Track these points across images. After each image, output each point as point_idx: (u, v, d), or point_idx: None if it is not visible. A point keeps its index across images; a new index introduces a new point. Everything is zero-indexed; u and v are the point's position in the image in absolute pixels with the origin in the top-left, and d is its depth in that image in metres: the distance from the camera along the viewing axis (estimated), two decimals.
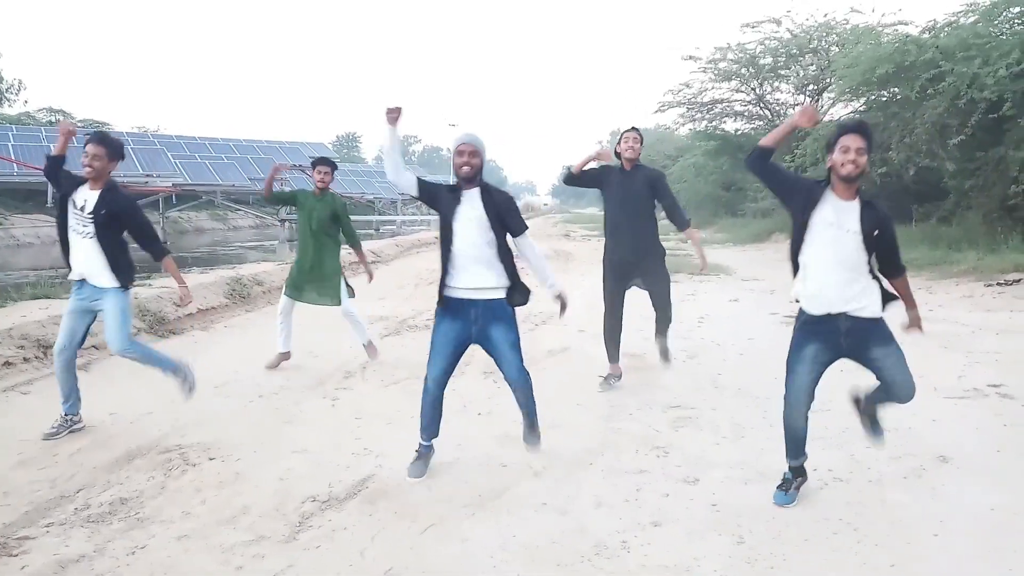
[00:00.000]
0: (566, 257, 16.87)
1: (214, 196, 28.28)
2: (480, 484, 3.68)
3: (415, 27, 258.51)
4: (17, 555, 2.95)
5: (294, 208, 6.16)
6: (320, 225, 5.95)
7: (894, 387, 3.32)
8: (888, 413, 4.69)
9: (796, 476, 3.50)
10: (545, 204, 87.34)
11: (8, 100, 38.25)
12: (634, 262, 5.32)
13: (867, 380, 3.47)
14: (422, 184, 3.78)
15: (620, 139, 5.36)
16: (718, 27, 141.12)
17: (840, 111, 20.13)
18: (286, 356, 6.11)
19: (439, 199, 3.77)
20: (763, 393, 5.01)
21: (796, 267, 3.37)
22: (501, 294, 3.74)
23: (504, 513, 3.36)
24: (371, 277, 6.59)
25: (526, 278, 3.86)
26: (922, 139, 13.71)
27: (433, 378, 3.81)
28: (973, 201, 13.99)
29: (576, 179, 5.39)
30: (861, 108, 17.70)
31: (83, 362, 6.20)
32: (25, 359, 5.92)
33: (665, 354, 5.90)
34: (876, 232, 3.18)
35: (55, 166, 4.42)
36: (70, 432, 4.39)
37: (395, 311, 9.08)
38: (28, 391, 5.32)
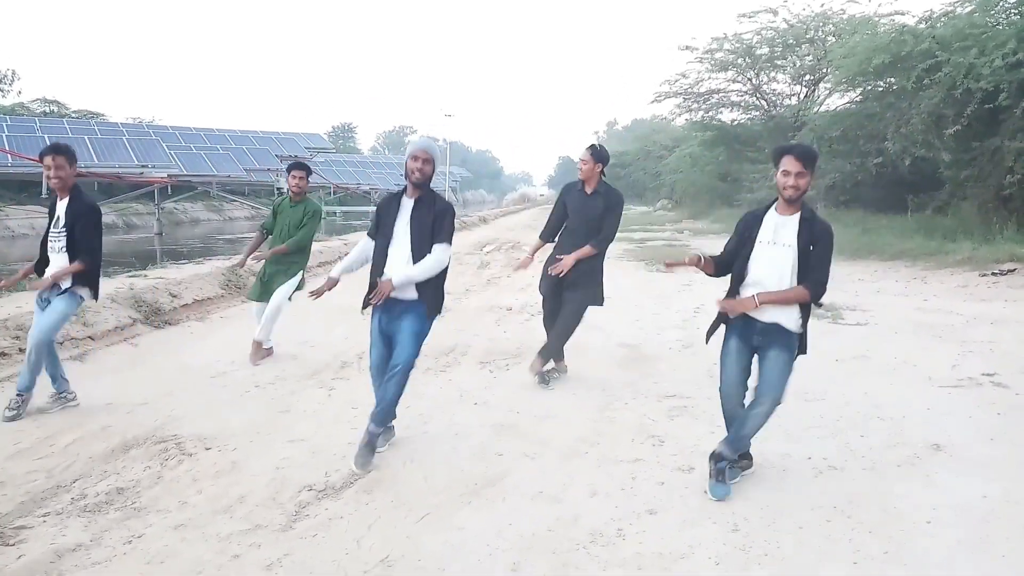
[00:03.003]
0: None
1: (209, 187, 28.21)
2: (476, 473, 3.70)
3: (411, 16, 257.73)
4: (14, 544, 2.96)
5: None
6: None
7: (763, 383, 3.38)
8: (883, 401, 4.73)
9: (742, 458, 3.59)
10: (541, 195, 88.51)
11: (2, 91, 38.08)
12: (565, 276, 5.15)
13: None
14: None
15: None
16: (715, 17, 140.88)
17: (837, 101, 20.18)
18: None
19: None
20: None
21: (736, 282, 3.47)
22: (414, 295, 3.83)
23: (499, 502, 3.38)
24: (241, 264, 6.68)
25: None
26: (918, 129, 13.73)
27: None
28: (968, 191, 14.02)
29: (550, 232, 5.39)
30: (857, 98, 17.71)
31: (79, 352, 6.20)
32: (20, 350, 5.91)
33: (541, 376, 5.15)
34: (811, 247, 3.30)
35: None
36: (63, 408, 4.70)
37: None
38: None
